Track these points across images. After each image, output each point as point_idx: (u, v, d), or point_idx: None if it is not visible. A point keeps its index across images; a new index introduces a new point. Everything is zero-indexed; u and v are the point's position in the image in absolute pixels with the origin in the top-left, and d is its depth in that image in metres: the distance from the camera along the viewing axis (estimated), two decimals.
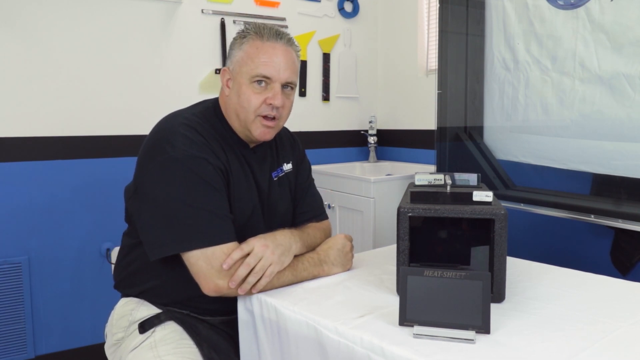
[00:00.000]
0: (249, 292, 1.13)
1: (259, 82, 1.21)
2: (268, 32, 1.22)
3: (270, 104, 1.21)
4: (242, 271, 1.10)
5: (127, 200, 1.28)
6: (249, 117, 1.22)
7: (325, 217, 1.44)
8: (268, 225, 1.30)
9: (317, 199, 1.46)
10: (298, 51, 1.28)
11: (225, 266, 1.09)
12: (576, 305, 1.04)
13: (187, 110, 1.27)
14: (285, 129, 1.46)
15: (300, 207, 1.41)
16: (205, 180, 1.14)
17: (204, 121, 1.23)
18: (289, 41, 1.25)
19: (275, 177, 1.36)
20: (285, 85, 1.24)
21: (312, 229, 1.35)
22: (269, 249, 1.12)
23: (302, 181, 1.44)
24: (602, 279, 1.21)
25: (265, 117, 1.23)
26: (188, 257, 1.12)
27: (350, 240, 1.32)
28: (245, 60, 1.22)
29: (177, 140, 1.15)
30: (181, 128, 1.17)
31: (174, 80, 2.46)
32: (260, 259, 1.11)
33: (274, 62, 1.21)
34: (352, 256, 1.31)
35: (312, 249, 1.28)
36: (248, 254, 1.11)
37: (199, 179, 1.13)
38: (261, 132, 1.24)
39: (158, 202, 1.13)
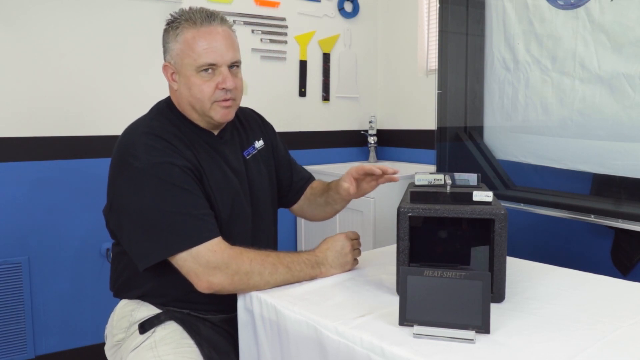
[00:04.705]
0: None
1: (206, 70, 1.21)
2: (200, 15, 1.21)
3: (223, 88, 1.22)
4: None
5: (107, 221, 1.29)
6: (206, 106, 1.23)
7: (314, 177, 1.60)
8: (250, 204, 1.33)
9: (301, 167, 1.58)
10: (232, 26, 1.28)
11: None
12: (576, 305, 1.04)
13: (144, 118, 1.28)
14: (249, 110, 1.49)
15: (295, 176, 1.52)
16: (174, 184, 1.14)
17: (163, 122, 1.24)
18: (222, 20, 1.24)
19: (248, 155, 1.37)
20: (231, 65, 1.24)
21: (318, 184, 1.53)
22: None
23: (283, 155, 1.50)
24: (602, 279, 1.21)
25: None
26: (176, 260, 1.13)
27: (353, 238, 1.28)
28: (185, 52, 1.21)
29: (139, 150, 1.16)
30: (142, 137, 1.19)
31: None
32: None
33: (215, 46, 1.20)
34: (359, 252, 1.29)
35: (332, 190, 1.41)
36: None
37: (168, 183, 1.14)
38: (222, 114, 1.25)
39: (133, 214, 1.15)
